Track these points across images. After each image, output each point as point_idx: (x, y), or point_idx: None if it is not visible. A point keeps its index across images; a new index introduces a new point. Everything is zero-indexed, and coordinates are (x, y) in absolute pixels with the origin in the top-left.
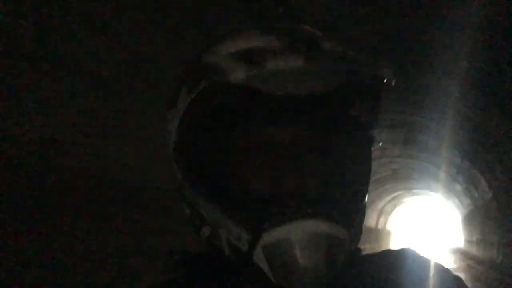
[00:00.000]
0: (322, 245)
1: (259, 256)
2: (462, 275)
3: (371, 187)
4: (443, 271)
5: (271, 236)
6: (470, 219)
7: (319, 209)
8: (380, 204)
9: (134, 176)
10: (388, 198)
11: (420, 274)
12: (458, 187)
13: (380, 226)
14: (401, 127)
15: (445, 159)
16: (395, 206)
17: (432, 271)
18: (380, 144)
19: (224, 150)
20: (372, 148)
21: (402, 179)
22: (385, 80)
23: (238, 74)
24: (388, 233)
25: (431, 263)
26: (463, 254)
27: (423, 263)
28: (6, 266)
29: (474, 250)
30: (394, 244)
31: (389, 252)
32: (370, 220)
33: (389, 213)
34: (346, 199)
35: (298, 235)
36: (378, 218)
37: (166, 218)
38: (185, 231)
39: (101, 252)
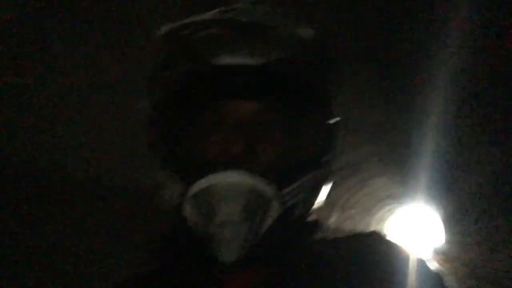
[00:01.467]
0: (241, 197)
1: (187, 208)
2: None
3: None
4: (408, 255)
5: (196, 186)
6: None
7: (247, 167)
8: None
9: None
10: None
11: (386, 259)
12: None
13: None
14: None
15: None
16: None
17: (397, 255)
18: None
19: (189, 124)
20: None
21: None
22: (305, 39)
23: (165, 27)
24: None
25: (397, 247)
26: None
27: (389, 246)
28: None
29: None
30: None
31: (355, 235)
32: (370, 226)
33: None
34: (289, 167)
35: (219, 185)
36: (377, 224)
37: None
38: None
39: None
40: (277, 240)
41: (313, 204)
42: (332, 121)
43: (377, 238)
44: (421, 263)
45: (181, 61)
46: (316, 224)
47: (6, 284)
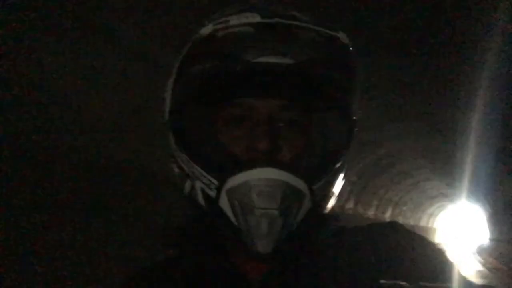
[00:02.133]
0: (277, 191)
1: (223, 200)
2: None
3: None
4: (427, 244)
5: (233, 180)
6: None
7: (280, 163)
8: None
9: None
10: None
11: (406, 247)
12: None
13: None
14: None
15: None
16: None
17: (416, 243)
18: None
19: (210, 119)
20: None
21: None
22: (342, 44)
23: (207, 29)
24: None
25: (416, 235)
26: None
27: (408, 235)
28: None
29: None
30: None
31: (375, 225)
32: (420, 221)
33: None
34: (314, 164)
35: (256, 180)
36: (428, 219)
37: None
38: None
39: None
40: (307, 233)
41: (334, 197)
42: (352, 118)
43: (396, 228)
44: (440, 253)
45: (214, 57)
46: (335, 216)
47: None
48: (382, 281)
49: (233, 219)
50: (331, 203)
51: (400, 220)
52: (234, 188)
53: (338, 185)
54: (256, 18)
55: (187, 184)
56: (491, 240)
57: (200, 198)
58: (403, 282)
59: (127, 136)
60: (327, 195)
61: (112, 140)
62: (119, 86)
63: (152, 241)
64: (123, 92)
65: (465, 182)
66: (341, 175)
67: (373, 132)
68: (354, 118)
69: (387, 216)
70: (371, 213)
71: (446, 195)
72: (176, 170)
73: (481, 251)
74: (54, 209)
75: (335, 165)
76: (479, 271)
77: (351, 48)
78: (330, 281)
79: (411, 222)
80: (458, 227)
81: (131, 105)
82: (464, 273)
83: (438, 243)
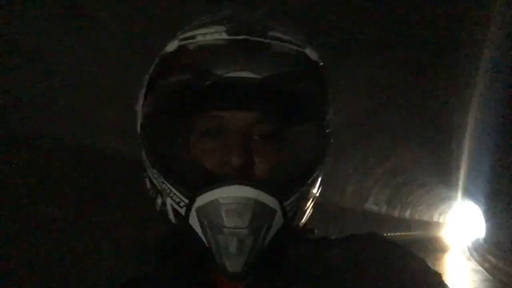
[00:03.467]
0: (246, 210)
1: (194, 218)
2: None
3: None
4: (408, 254)
5: (202, 199)
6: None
7: (250, 179)
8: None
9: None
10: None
11: (386, 258)
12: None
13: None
14: None
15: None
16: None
17: (396, 254)
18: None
19: (182, 133)
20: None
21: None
22: (313, 61)
23: (172, 45)
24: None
25: (396, 246)
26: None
27: (389, 246)
28: None
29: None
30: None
31: (354, 236)
32: (433, 218)
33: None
34: (286, 179)
35: (225, 198)
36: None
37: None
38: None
39: None
40: (279, 249)
41: (309, 211)
42: (326, 131)
43: (375, 238)
44: (422, 263)
45: (182, 72)
46: (310, 231)
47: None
48: None
49: (203, 238)
50: (305, 217)
51: (417, 217)
52: (203, 207)
53: (313, 199)
54: (222, 35)
55: (158, 200)
56: (488, 237)
57: (171, 216)
58: None
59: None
60: (301, 210)
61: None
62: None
63: (128, 257)
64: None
65: (464, 181)
66: (315, 189)
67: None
68: (328, 131)
69: (407, 214)
70: (396, 213)
71: (449, 196)
72: (148, 185)
73: (478, 248)
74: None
75: (309, 179)
76: (476, 269)
77: (320, 62)
78: None
79: (426, 218)
80: (457, 225)
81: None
82: (448, 280)
83: (416, 253)
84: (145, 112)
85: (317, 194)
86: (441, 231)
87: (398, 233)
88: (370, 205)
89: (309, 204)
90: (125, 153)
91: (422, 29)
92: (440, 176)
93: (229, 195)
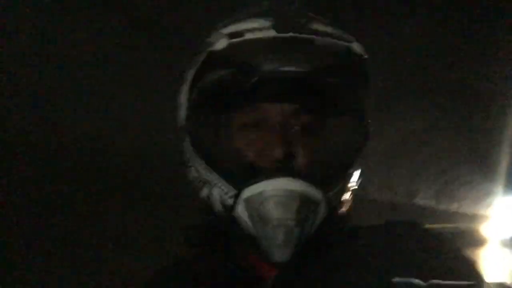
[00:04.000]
0: (293, 201)
1: (240, 209)
2: None
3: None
4: (444, 242)
5: (250, 190)
6: None
7: (295, 171)
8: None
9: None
10: None
11: (420, 244)
12: None
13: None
14: None
15: None
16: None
17: (432, 241)
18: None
19: (224, 124)
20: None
21: None
22: (357, 55)
23: (221, 43)
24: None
25: (433, 234)
26: None
27: (425, 233)
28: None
29: None
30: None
31: (391, 223)
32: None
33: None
34: (328, 170)
35: (273, 190)
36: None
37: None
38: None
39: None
40: (324, 238)
41: (350, 201)
42: (365, 123)
43: (412, 226)
44: (459, 252)
45: (232, 68)
46: (349, 216)
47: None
48: (395, 279)
49: (251, 228)
50: (347, 206)
51: (462, 210)
52: (251, 198)
53: (353, 188)
54: (271, 33)
55: (205, 190)
56: None
57: (218, 205)
58: (417, 280)
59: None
60: (343, 200)
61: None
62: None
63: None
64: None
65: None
66: (356, 179)
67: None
68: (368, 122)
69: (454, 207)
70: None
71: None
72: (192, 175)
73: None
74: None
75: (350, 170)
76: None
77: (365, 56)
78: (343, 280)
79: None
80: (500, 217)
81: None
82: (484, 270)
83: (454, 242)
84: (191, 104)
85: (357, 184)
86: (485, 223)
87: (446, 225)
88: (419, 200)
89: (350, 194)
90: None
91: None
92: (484, 173)
93: (276, 187)
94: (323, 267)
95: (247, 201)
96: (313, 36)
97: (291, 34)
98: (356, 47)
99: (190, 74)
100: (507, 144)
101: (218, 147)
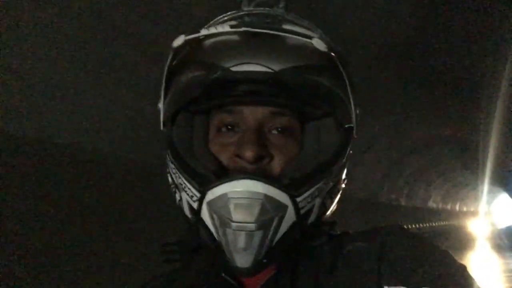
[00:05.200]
0: (256, 204)
1: (204, 213)
2: None
3: None
4: (433, 248)
5: (213, 193)
6: None
7: (262, 174)
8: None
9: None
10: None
11: (409, 250)
12: None
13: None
14: None
15: None
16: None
17: (420, 246)
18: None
19: (200, 128)
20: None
21: None
22: (321, 51)
23: (178, 40)
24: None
25: (421, 239)
26: None
27: (412, 239)
28: None
29: None
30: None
31: (378, 229)
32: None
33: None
34: (302, 174)
35: (235, 192)
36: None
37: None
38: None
39: None
40: (295, 245)
41: (328, 208)
42: (345, 127)
43: (400, 231)
44: (445, 254)
45: (195, 68)
46: (332, 225)
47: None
48: (386, 287)
49: (215, 233)
50: (328, 212)
51: (449, 205)
52: (213, 201)
53: (333, 195)
54: (225, 28)
55: (177, 195)
56: None
57: (186, 210)
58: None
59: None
60: (318, 206)
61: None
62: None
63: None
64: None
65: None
66: (335, 185)
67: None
68: (348, 126)
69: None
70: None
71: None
72: (169, 180)
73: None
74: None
75: (326, 175)
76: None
77: (331, 53)
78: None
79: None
80: (487, 211)
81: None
82: (474, 276)
83: (441, 247)
84: (165, 108)
85: (339, 190)
86: (473, 220)
87: (433, 224)
88: (403, 199)
89: (328, 200)
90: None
91: None
92: (469, 170)
93: (238, 189)
94: (308, 277)
95: (210, 204)
96: (270, 31)
97: (244, 28)
98: (319, 43)
99: (163, 76)
100: (494, 138)
101: (189, 151)
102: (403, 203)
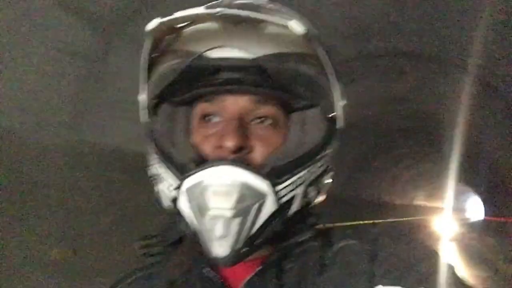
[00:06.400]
0: (234, 191)
1: (182, 201)
2: None
3: None
4: (422, 247)
5: (190, 180)
6: None
7: (241, 162)
8: None
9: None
10: None
11: (398, 250)
12: None
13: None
14: None
15: None
16: None
17: (410, 247)
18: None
19: (181, 118)
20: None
21: None
22: (298, 34)
23: (153, 23)
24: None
25: (411, 239)
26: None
27: (402, 239)
28: None
29: None
30: None
31: (367, 227)
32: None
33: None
34: (284, 162)
35: (212, 179)
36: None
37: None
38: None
39: None
40: (275, 236)
41: (312, 199)
42: (329, 116)
43: (390, 231)
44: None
45: (173, 57)
46: (316, 216)
47: None
48: (380, 287)
49: (193, 222)
50: (313, 203)
51: (415, 203)
52: (190, 189)
53: (318, 185)
54: (199, 10)
55: (156, 187)
56: (486, 217)
57: (165, 201)
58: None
59: None
60: (301, 196)
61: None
62: None
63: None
64: None
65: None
66: (319, 176)
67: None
68: (331, 116)
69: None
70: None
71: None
72: (150, 172)
73: (476, 228)
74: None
75: (308, 165)
76: (473, 249)
77: (313, 38)
78: (317, 286)
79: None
80: (453, 206)
81: None
82: (460, 274)
83: (432, 246)
84: (148, 98)
85: (325, 182)
86: (439, 215)
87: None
88: (370, 194)
89: (312, 191)
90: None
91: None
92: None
93: (215, 176)
94: (297, 273)
95: (188, 191)
96: (243, 13)
97: (219, 10)
98: (296, 27)
99: (143, 68)
100: (459, 135)
101: (169, 142)
102: (369, 198)
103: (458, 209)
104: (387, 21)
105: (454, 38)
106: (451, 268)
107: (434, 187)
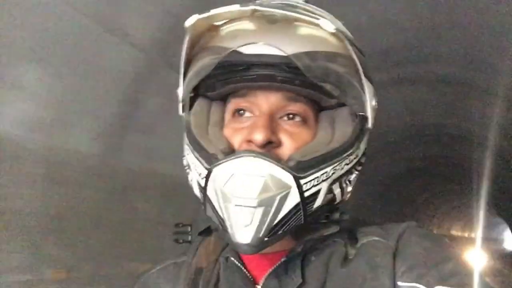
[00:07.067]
0: (258, 181)
1: (210, 189)
2: None
3: None
4: (446, 246)
5: (218, 169)
6: None
7: (267, 154)
8: None
9: None
10: None
11: (422, 248)
12: None
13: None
14: None
15: None
16: None
17: (434, 245)
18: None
19: (216, 112)
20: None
21: None
22: (327, 30)
23: (191, 19)
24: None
25: (434, 237)
26: None
27: (426, 236)
28: None
29: None
30: None
31: (392, 225)
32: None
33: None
34: (310, 157)
35: (239, 169)
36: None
37: None
38: None
39: None
40: (296, 227)
41: (338, 196)
42: (358, 114)
43: (413, 229)
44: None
45: (208, 52)
46: (342, 212)
47: None
48: (400, 283)
49: (219, 210)
50: (339, 199)
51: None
52: (217, 177)
53: (343, 181)
54: (234, 7)
55: (189, 176)
56: None
57: (196, 188)
58: (421, 285)
59: None
60: (325, 191)
61: None
62: None
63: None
64: None
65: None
66: (347, 173)
67: None
68: (362, 114)
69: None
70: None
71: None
72: (184, 163)
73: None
74: None
75: (335, 162)
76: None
77: (345, 37)
78: (341, 281)
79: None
80: (483, 235)
81: None
82: (484, 276)
83: (455, 245)
84: (184, 92)
85: (350, 180)
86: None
87: None
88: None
89: (337, 188)
90: None
91: None
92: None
93: (242, 166)
94: (320, 266)
95: (215, 180)
96: (277, 11)
97: (252, 7)
98: (326, 23)
99: (182, 63)
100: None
101: (206, 134)
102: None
103: (493, 239)
104: (419, 47)
105: (486, 62)
106: (477, 272)
107: (469, 218)
